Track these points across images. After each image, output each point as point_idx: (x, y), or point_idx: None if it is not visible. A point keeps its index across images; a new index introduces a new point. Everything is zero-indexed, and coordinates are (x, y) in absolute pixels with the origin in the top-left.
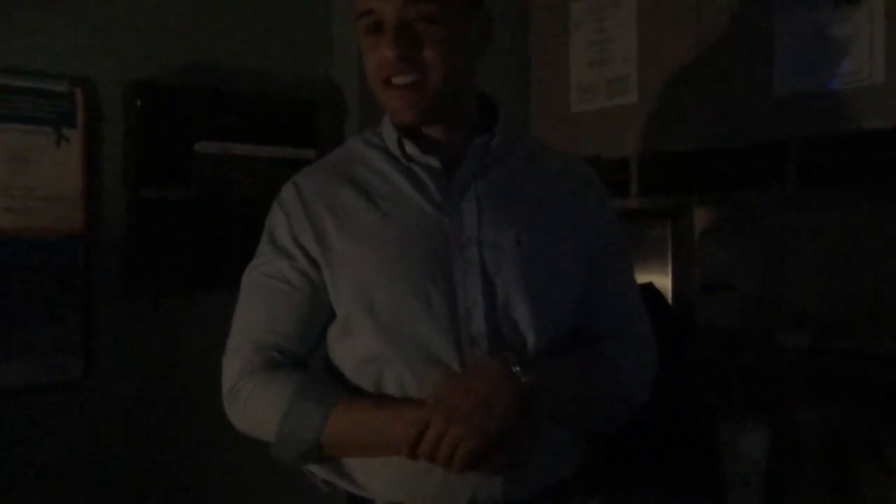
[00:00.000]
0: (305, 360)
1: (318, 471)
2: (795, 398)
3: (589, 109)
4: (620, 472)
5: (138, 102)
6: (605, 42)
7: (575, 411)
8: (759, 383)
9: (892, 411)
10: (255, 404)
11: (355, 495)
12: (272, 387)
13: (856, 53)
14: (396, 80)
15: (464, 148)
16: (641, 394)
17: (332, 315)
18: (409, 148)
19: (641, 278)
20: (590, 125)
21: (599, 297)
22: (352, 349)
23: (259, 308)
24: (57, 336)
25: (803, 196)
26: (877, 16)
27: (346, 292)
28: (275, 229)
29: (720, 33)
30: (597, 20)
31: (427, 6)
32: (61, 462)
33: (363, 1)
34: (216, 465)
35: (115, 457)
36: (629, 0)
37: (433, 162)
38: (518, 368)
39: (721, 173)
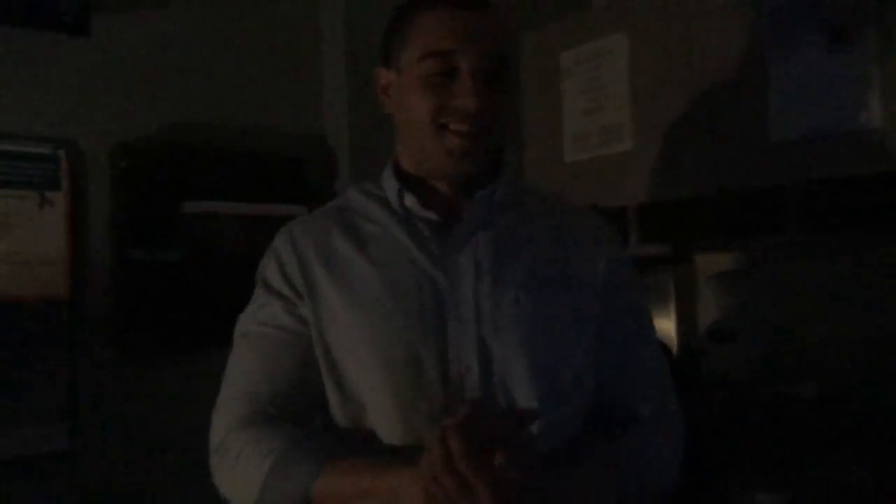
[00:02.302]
0: (306, 413)
1: None
2: (810, 453)
3: (583, 158)
4: None
5: (123, 164)
6: (597, 89)
7: None
8: (770, 438)
9: None
10: (244, 461)
11: None
12: (261, 445)
13: (851, 96)
14: (462, 128)
15: (466, 201)
16: (668, 480)
17: None
18: (409, 201)
19: None
20: (585, 174)
21: (615, 367)
22: (336, 388)
23: (252, 358)
24: (41, 405)
25: (805, 241)
26: (870, 57)
27: (333, 344)
28: (266, 273)
29: (713, 77)
30: (588, 68)
31: (499, 61)
32: None
33: (439, 42)
34: None
35: None
36: (620, 47)
37: (432, 216)
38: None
39: (721, 220)
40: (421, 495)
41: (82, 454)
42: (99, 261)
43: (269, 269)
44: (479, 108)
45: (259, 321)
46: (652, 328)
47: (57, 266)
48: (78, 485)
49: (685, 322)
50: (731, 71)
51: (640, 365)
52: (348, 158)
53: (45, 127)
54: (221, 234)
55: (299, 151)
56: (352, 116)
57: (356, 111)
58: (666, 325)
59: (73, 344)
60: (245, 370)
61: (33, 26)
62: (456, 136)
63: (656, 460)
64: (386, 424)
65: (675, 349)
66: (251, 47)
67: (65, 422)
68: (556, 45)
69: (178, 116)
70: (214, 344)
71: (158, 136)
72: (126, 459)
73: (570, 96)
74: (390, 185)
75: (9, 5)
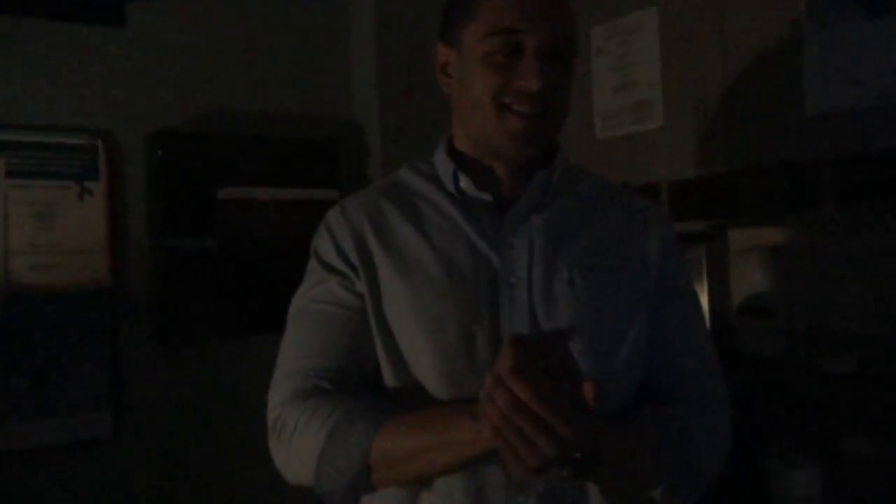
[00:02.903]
0: (359, 386)
1: None
2: (846, 428)
3: (615, 135)
4: None
5: (159, 152)
6: (628, 66)
7: (638, 484)
8: (807, 414)
9: None
10: (300, 434)
11: None
12: (316, 415)
13: (890, 67)
14: (524, 109)
15: (521, 183)
16: (714, 466)
17: None
18: (464, 182)
19: None
20: (616, 151)
21: (665, 349)
22: (389, 361)
23: (306, 335)
24: (85, 392)
25: (842, 217)
26: None
27: (389, 318)
28: (320, 248)
29: (746, 51)
30: (619, 44)
31: (565, 42)
32: None
33: (505, 18)
34: None
35: None
36: (650, 22)
37: (487, 197)
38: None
39: (755, 196)
40: (491, 442)
41: (126, 439)
42: (138, 248)
43: (323, 245)
44: (542, 88)
45: (314, 298)
46: (701, 313)
47: (97, 254)
48: (122, 469)
49: (718, 298)
50: (764, 44)
51: (691, 346)
52: (379, 141)
53: (82, 118)
54: (257, 219)
55: (331, 136)
56: (382, 100)
57: (386, 94)
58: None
59: (114, 331)
60: (299, 347)
61: (70, 19)
62: (517, 116)
63: (703, 438)
64: (436, 399)
65: (707, 325)
66: (282, 34)
67: (108, 408)
68: (586, 20)
69: (211, 104)
70: (253, 328)
71: (193, 124)
72: (168, 444)
73: (600, 73)
74: (444, 166)
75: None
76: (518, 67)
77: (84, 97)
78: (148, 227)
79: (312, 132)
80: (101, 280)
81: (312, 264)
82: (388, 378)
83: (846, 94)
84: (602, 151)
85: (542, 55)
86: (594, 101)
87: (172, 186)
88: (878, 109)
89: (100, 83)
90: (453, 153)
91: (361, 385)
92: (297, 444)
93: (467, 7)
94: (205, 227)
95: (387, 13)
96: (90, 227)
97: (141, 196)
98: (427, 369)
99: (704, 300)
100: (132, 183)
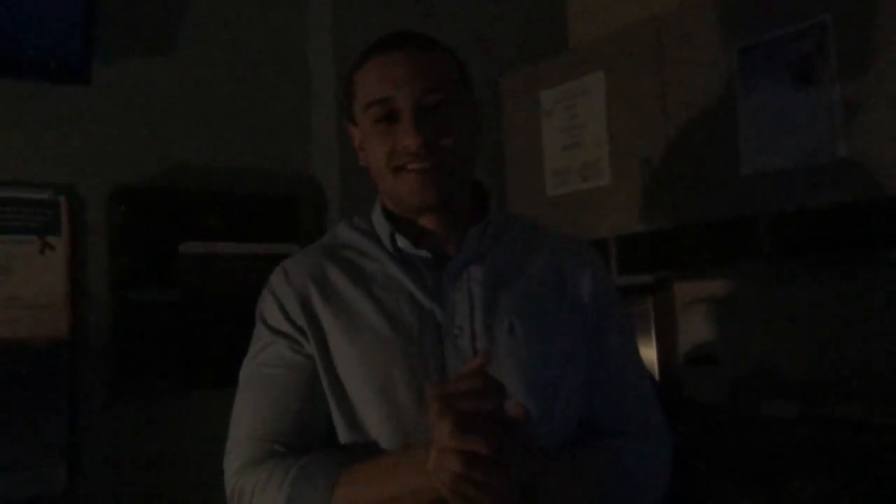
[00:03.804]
0: (313, 446)
1: None
2: (789, 470)
3: (564, 192)
4: None
5: (122, 208)
6: (576, 127)
7: None
8: (751, 457)
9: (882, 478)
10: (259, 498)
11: None
12: (273, 478)
13: (816, 131)
14: (415, 166)
15: (456, 237)
16: (655, 492)
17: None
18: (402, 242)
19: None
20: (566, 208)
21: (604, 384)
22: (343, 418)
23: (258, 400)
24: (40, 447)
25: (779, 269)
26: (832, 94)
27: (342, 376)
28: (266, 313)
29: (687, 115)
30: (567, 107)
31: (440, 94)
32: None
33: (376, 90)
34: None
35: None
36: (597, 87)
37: (425, 254)
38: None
39: (698, 250)
40: (446, 490)
41: (81, 495)
42: (99, 302)
43: (268, 309)
44: (422, 143)
45: (262, 363)
46: (636, 346)
47: (57, 308)
48: None
49: (665, 348)
50: (703, 108)
51: (627, 381)
52: (338, 196)
53: (45, 173)
54: (218, 273)
55: (291, 192)
56: (341, 156)
57: (345, 151)
58: (647, 353)
59: (73, 384)
60: (251, 413)
61: (37, 78)
62: (411, 174)
63: (642, 472)
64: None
65: (656, 375)
66: (243, 92)
67: (64, 461)
68: (536, 84)
69: (173, 160)
70: (213, 382)
71: (155, 179)
72: (125, 499)
73: (550, 134)
74: (381, 226)
75: (10, 57)
76: (398, 130)
77: (48, 153)
78: (109, 281)
79: (273, 188)
80: (61, 333)
81: (259, 329)
82: (343, 434)
83: (776, 155)
84: (553, 208)
85: (419, 112)
86: (544, 160)
87: (134, 241)
88: (804, 170)
89: (63, 139)
90: (388, 213)
91: (315, 444)
92: None
93: (351, 88)
94: (166, 280)
95: (345, 74)
96: (51, 281)
97: (103, 250)
98: (380, 424)
99: (653, 351)
100: (94, 237)
